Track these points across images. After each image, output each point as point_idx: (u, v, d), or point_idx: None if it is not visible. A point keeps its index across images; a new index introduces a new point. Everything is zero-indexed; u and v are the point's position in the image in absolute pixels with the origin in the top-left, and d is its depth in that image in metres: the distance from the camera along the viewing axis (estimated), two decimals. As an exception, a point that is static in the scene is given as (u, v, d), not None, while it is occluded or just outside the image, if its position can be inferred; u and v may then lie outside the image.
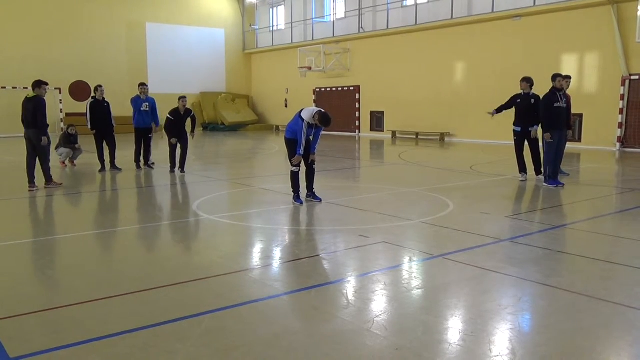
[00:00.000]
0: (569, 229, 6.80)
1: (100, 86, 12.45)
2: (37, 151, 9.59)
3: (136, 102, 12.59)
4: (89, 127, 12.24)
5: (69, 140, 13.38)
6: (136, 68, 28.53)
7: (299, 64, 26.96)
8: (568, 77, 10.18)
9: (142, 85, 12.76)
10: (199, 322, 3.79)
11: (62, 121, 24.74)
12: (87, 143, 14.25)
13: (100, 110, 12.20)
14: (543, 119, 9.54)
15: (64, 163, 13.30)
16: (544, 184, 9.68)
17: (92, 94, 12.50)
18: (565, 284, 4.63)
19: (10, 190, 9.86)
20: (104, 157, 12.37)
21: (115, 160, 12.57)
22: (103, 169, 12.26)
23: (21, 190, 9.66)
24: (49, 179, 9.91)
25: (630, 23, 16.48)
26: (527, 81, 10.24)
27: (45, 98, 9.68)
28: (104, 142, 12.38)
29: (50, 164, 10.00)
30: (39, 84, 9.61)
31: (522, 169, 10.39)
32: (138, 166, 12.61)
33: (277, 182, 10.35)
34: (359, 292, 4.45)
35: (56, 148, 13.18)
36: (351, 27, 25.97)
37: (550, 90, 9.54)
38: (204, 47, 31.12)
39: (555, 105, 9.40)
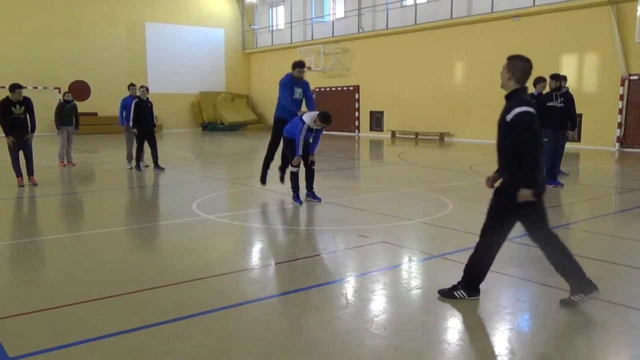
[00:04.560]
0: (568, 229, 6.79)
1: (143, 86, 12.46)
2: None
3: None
4: (130, 125, 12.25)
5: (66, 111, 13.18)
6: (136, 68, 28.51)
7: (299, 63, 26.93)
8: (553, 77, 9.76)
9: (300, 65, 8.84)
10: (198, 322, 3.78)
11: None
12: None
13: (144, 110, 12.17)
14: None
15: (62, 162, 13.21)
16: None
17: (137, 94, 12.49)
18: (565, 284, 4.62)
19: (9, 189, 9.84)
20: (142, 157, 12.37)
21: (159, 160, 12.41)
22: (138, 167, 12.29)
23: (19, 190, 9.65)
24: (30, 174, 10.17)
25: (629, 23, 16.48)
26: (542, 81, 10.11)
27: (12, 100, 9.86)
28: (140, 142, 12.36)
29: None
30: (12, 89, 9.86)
31: None
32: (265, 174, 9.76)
33: (277, 182, 10.35)
34: (358, 292, 4.45)
35: (58, 128, 13.24)
36: (351, 27, 25.96)
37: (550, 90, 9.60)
38: (204, 46, 31.10)
39: (549, 104, 9.43)
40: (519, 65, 4.11)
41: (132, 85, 12.93)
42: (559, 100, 9.46)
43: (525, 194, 3.82)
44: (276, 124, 9.12)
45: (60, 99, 13.72)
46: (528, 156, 3.84)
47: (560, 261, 4.08)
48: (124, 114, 12.75)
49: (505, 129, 4.01)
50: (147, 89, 12.45)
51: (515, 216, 4.05)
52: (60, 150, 13.23)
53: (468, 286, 4.17)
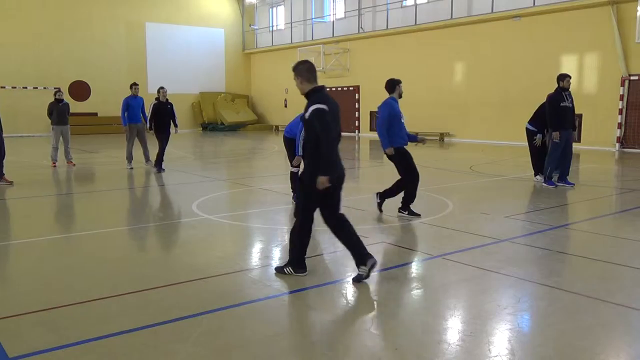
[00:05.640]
0: (568, 229, 6.80)
1: (162, 88, 12.20)
2: None
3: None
4: (148, 127, 12.11)
5: (59, 111, 13.10)
6: (136, 68, 28.52)
7: (299, 64, 26.93)
8: (568, 76, 9.98)
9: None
10: (199, 322, 3.78)
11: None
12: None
13: (163, 112, 11.98)
14: (550, 119, 9.50)
15: (54, 163, 13.09)
16: (543, 184, 9.67)
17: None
18: (565, 284, 4.63)
19: (7, 189, 9.84)
20: (157, 157, 12.07)
21: (163, 162, 12.15)
22: (162, 168, 11.97)
23: (18, 190, 9.66)
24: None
25: (629, 23, 16.49)
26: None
27: None
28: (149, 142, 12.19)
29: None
30: None
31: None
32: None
33: (277, 182, 10.35)
34: (358, 292, 4.45)
35: (52, 127, 13.24)
36: (351, 27, 25.96)
37: (555, 90, 9.51)
38: (204, 47, 31.11)
39: (562, 104, 9.38)
40: (302, 68, 4.57)
41: (134, 84, 12.83)
42: (569, 100, 9.46)
43: (322, 181, 4.39)
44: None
45: (63, 99, 13.63)
46: (322, 147, 4.39)
47: (348, 239, 4.69)
48: (126, 114, 12.57)
49: (305, 123, 4.54)
50: (166, 91, 12.17)
51: (319, 194, 4.55)
52: (52, 151, 13.14)
53: (296, 264, 4.75)
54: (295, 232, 4.77)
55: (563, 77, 9.50)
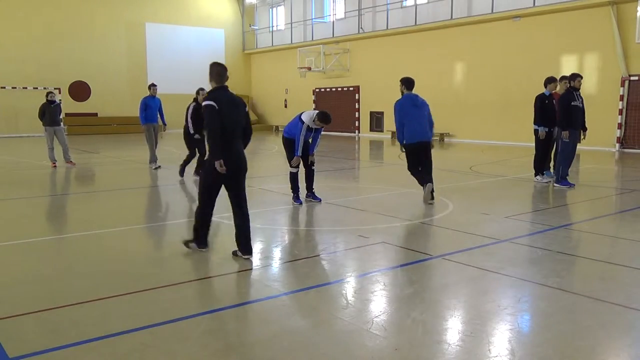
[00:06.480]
0: (568, 230, 6.79)
1: (203, 89, 11.09)
2: None
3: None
4: (192, 131, 10.89)
5: (51, 112, 13.01)
6: (136, 68, 28.54)
7: (299, 64, 26.96)
8: (579, 76, 9.93)
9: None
10: (198, 323, 3.78)
11: (61, 120, 24.76)
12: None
13: (201, 114, 11.39)
14: (559, 118, 9.50)
15: (54, 164, 13.08)
16: (556, 184, 9.65)
17: (194, 97, 11.30)
18: (565, 284, 4.63)
19: (7, 189, 9.85)
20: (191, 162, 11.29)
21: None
22: (197, 173, 10.89)
23: (18, 190, 9.66)
24: None
25: (629, 24, 16.50)
26: (552, 81, 10.14)
27: None
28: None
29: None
30: None
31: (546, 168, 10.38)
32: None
33: (277, 182, 10.35)
34: (358, 293, 4.45)
35: (45, 129, 13.13)
36: (351, 28, 25.97)
37: (567, 90, 9.55)
38: (204, 47, 31.08)
39: (573, 104, 9.39)
40: (214, 70, 5.42)
41: (153, 85, 12.56)
42: (579, 100, 9.47)
43: (215, 164, 5.04)
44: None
45: (59, 100, 13.57)
46: (210, 134, 5.10)
47: (241, 226, 5.27)
48: (144, 114, 12.40)
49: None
50: (206, 92, 11.50)
51: (218, 179, 5.17)
52: (49, 151, 13.09)
53: (200, 241, 5.42)
54: (197, 211, 5.37)
55: (574, 77, 9.53)
